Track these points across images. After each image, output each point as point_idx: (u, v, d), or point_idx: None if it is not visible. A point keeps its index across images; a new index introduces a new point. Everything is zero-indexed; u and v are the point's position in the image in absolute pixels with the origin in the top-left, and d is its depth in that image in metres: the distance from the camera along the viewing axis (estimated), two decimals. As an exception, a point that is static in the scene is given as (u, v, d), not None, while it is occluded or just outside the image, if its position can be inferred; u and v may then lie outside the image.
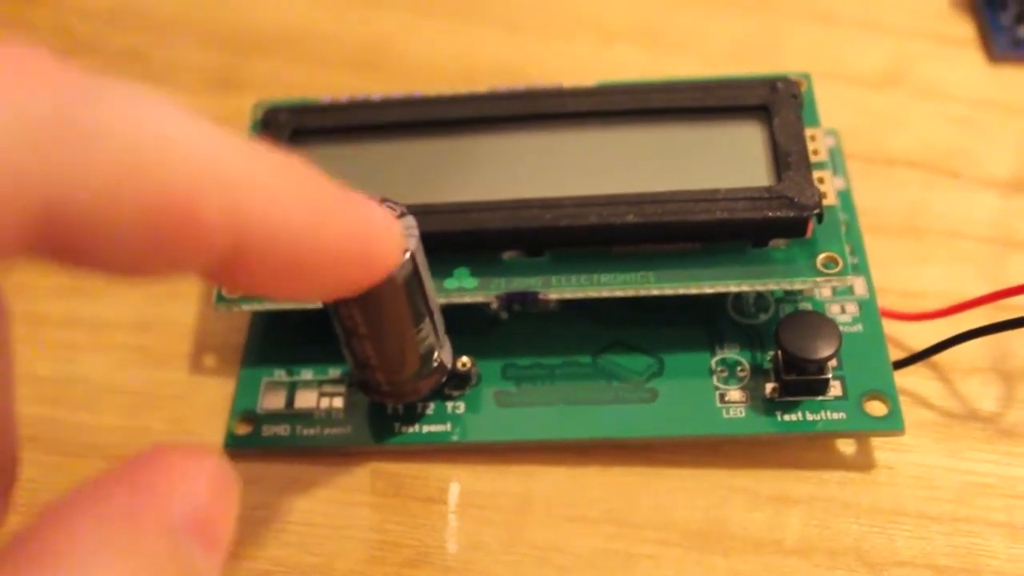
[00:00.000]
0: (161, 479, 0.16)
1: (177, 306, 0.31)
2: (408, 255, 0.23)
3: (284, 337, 0.30)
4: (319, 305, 0.27)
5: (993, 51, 0.35)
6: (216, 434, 0.28)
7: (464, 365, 0.27)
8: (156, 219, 0.16)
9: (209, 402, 0.29)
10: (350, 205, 0.19)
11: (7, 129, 0.14)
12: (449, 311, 0.27)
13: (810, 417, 0.27)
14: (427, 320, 0.25)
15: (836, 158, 0.32)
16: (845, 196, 0.31)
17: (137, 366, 0.30)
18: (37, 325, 0.31)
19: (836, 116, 0.33)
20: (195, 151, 0.16)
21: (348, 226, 0.19)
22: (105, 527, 0.15)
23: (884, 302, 0.29)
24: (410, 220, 0.24)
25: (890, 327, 0.29)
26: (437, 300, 0.25)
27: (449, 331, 0.27)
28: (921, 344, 0.28)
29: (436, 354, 0.26)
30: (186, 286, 0.32)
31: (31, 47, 0.15)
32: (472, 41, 0.38)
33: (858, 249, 0.29)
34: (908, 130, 0.34)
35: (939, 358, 0.28)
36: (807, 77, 0.30)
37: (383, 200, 0.24)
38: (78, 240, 0.15)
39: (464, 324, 0.28)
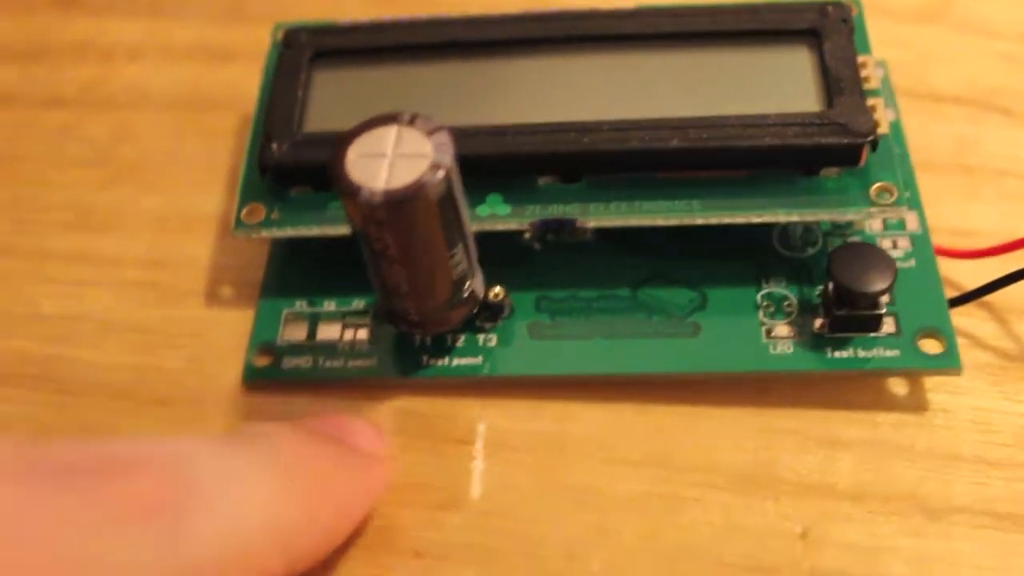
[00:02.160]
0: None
1: (190, 241, 0.30)
2: (442, 173, 0.22)
3: (305, 267, 0.28)
4: (343, 232, 0.26)
5: (1042, -14, 0.34)
6: (233, 372, 0.27)
7: (497, 295, 0.26)
8: None
9: (225, 340, 0.28)
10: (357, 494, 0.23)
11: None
12: (481, 240, 0.26)
13: (862, 354, 0.25)
14: (460, 245, 0.23)
15: (886, 90, 0.30)
16: (896, 128, 0.29)
17: (148, 303, 0.29)
18: (43, 261, 0.30)
19: (881, 50, 0.31)
20: (265, 523, 0.20)
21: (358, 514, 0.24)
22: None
23: (935, 240, 0.28)
24: (444, 136, 0.22)
25: (941, 266, 0.27)
26: (471, 225, 0.24)
27: (481, 261, 0.25)
28: (974, 283, 0.27)
29: (468, 283, 0.25)
30: (200, 221, 0.30)
31: (125, 477, 0.18)
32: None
33: (910, 183, 0.28)
34: (954, 65, 0.32)
35: (993, 298, 0.27)
36: (857, 2, 0.28)
37: (414, 116, 0.22)
38: None
39: (496, 254, 0.27)
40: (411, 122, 0.23)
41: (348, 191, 0.22)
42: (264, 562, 0.20)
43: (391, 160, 0.22)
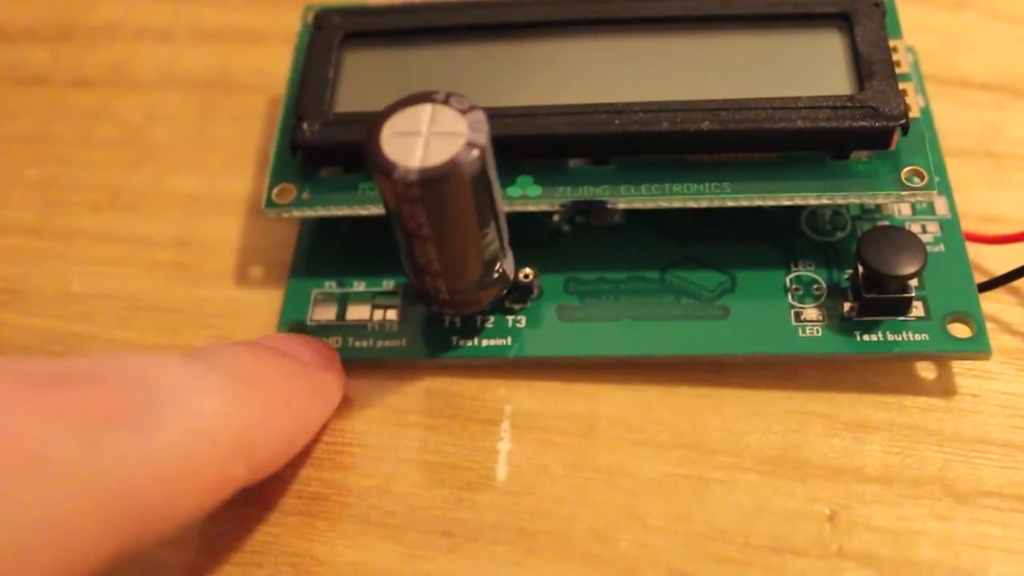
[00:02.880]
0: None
1: (220, 222, 0.30)
2: (477, 152, 0.22)
3: (335, 248, 0.28)
4: (373, 212, 0.26)
5: (1071, -27, 0.34)
6: (262, 352, 0.27)
7: (527, 277, 0.26)
8: (207, 495, 0.20)
9: (254, 320, 0.28)
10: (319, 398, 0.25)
11: (93, 477, 0.18)
12: (510, 222, 0.26)
13: (891, 338, 0.25)
14: (492, 224, 0.23)
15: (915, 75, 0.30)
16: (925, 114, 0.29)
17: (178, 283, 0.29)
18: (72, 240, 0.30)
19: (909, 36, 0.31)
20: (226, 428, 0.21)
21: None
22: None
23: (963, 226, 0.27)
24: (479, 115, 0.22)
25: (970, 251, 0.27)
26: (503, 205, 0.24)
27: (511, 244, 0.25)
28: (1002, 269, 0.27)
29: (499, 263, 0.25)
30: (230, 202, 0.30)
31: (96, 387, 0.19)
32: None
33: (939, 168, 0.28)
34: (982, 52, 0.32)
35: (1021, 283, 0.27)
36: (887, -12, 0.28)
37: (449, 95, 0.22)
38: (151, 538, 0.19)
39: (525, 236, 0.27)
40: (446, 101, 0.23)
41: (383, 169, 0.22)
42: (227, 466, 0.20)
43: (426, 138, 0.22)
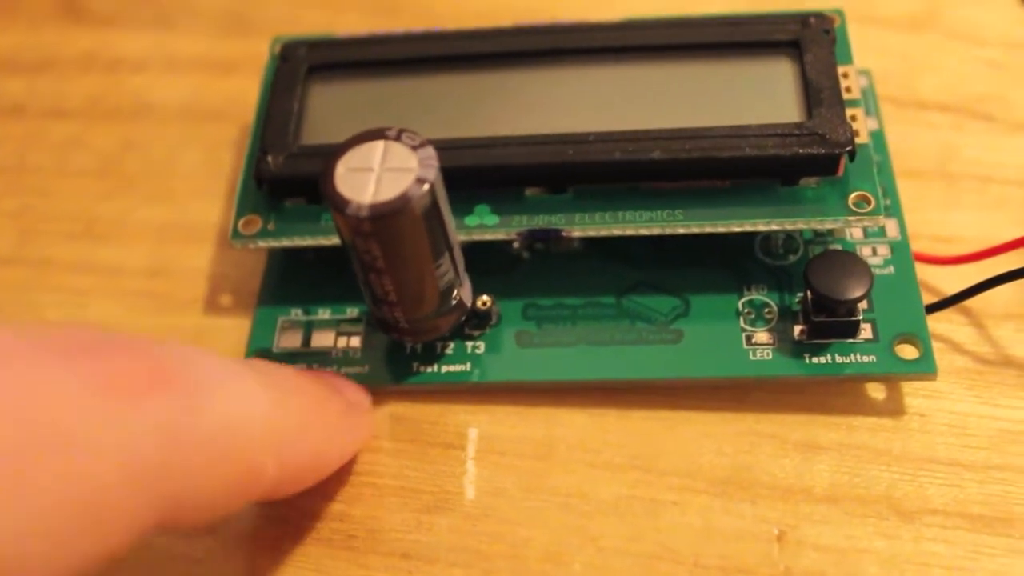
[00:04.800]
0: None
1: (190, 251, 0.31)
2: (427, 186, 0.22)
3: (301, 276, 0.29)
4: (336, 242, 0.26)
5: (1028, -6, 0.34)
6: (230, 377, 0.28)
7: (484, 304, 0.27)
8: (238, 486, 0.20)
9: (223, 348, 0.28)
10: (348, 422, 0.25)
11: (131, 444, 0.18)
12: (471, 250, 0.26)
13: (839, 360, 0.26)
14: (446, 255, 0.24)
15: (869, 99, 0.31)
16: (878, 137, 0.30)
17: (149, 312, 0.30)
18: (47, 270, 0.31)
19: (868, 58, 0.32)
20: (264, 423, 0.21)
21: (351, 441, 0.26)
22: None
23: (915, 246, 0.28)
24: (429, 151, 0.23)
25: (922, 272, 0.28)
26: (457, 236, 0.25)
27: (471, 270, 0.26)
28: (953, 289, 0.27)
29: (456, 291, 0.25)
30: (201, 231, 0.31)
31: (134, 357, 0.19)
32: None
33: (891, 191, 0.29)
34: (941, 73, 0.33)
35: (971, 303, 0.27)
36: (841, 13, 0.29)
37: (401, 131, 0.23)
38: (179, 520, 0.19)
39: (486, 263, 0.28)
40: (398, 137, 0.23)
41: (337, 205, 0.23)
42: (259, 458, 0.20)
43: (378, 174, 0.23)
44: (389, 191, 0.22)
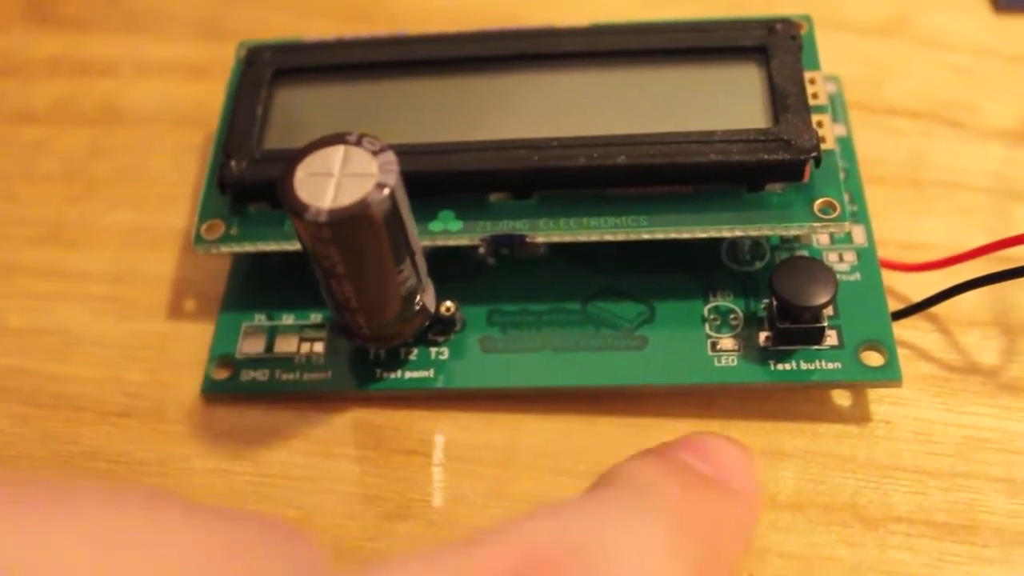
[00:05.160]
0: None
1: (156, 256, 0.31)
2: (387, 192, 0.22)
3: (265, 281, 0.29)
4: (299, 248, 0.26)
5: (999, 1, 0.34)
6: (193, 384, 0.28)
7: (448, 310, 0.27)
8: None
9: (186, 353, 0.28)
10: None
11: None
12: (436, 256, 0.26)
13: (804, 366, 0.26)
14: (408, 260, 0.24)
15: (838, 105, 0.31)
16: (846, 143, 0.30)
17: (113, 317, 0.29)
18: (10, 275, 0.31)
19: (837, 64, 0.32)
20: None
21: None
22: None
23: (883, 253, 0.28)
24: (389, 156, 0.23)
25: (889, 278, 0.28)
26: (419, 241, 0.25)
27: (436, 276, 0.26)
28: (920, 295, 0.27)
29: (418, 297, 0.25)
30: (167, 236, 0.31)
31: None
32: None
33: (858, 197, 0.29)
34: (910, 79, 0.33)
35: (938, 310, 0.27)
36: (808, 19, 0.29)
37: (362, 136, 0.23)
38: None
39: (452, 269, 0.28)
40: (358, 142, 0.23)
41: (295, 210, 0.22)
42: None
43: (338, 180, 0.23)
44: (348, 196, 0.22)
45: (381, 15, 0.36)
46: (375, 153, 0.23)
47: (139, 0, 0.37)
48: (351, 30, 0.34)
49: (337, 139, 0.23)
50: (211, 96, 0.33)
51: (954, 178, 0.31)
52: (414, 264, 0.24)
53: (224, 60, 0.32)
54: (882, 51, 0.34)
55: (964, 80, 0.33)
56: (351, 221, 0.22)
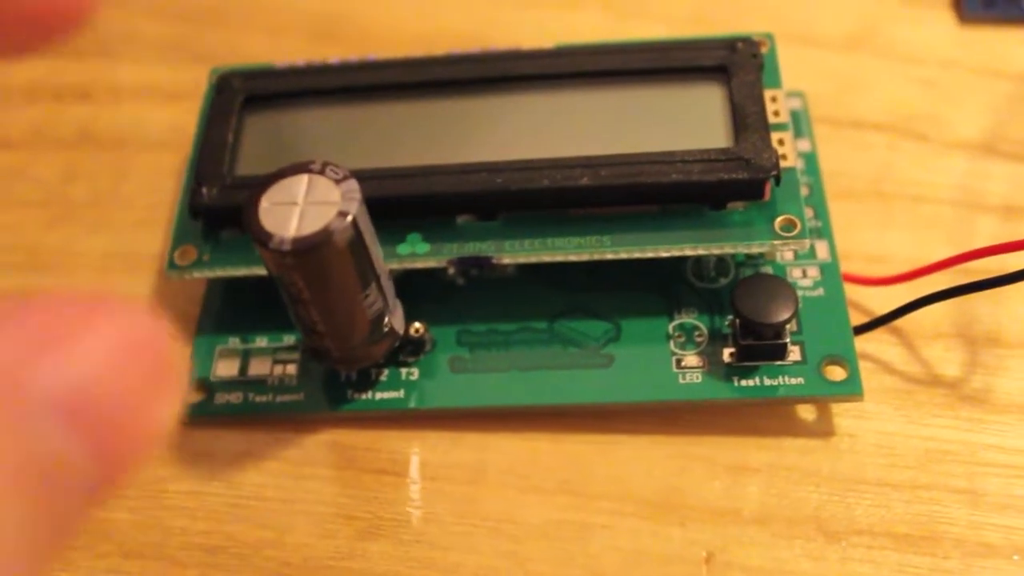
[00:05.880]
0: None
1: (132, 280, 0.31)
2: (350, 219, 0.23)
3: (239, 304, 0.29)
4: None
5: (964, 11, 0.35)
6: (169, 406, 0.28)
7: (417, 331, 0.27)
8: None
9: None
10: None
11: None
12: (406, 277, 0.27)
13: (768, 382, 0.26)
14: (374, 284, 0.24)
15: (802, 120, 0.31)
16: (810, 158, 0.30)
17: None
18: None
19: (803, 79, 0.32)
20: None
21: None
22: None
23: (849, 267, 0.28)
24: (352, 184, 0.23)
25: (853, 292, 0.28)
26: (384, 264, 0.25)
27: (407, 297, 0.27)
28: (885, 309, 0.28)
29: (387, 319, 0.26)
30: (142, 260, 0.31)
31: None
32: (434, 11, 0.37)
33: (821, 213, 0.29)
34: (875, 93, 0.33)
35: (902, 323, 0.28)
36: (770, 37, 0.29)
37: (325, 164, 0.23)
38: None
39: (421, 290, 0.28)
40: (322, 171, 0.24)
41: (259, 239, 0.23)
42: None
43: (302, 208, 0.23)
44: (312, 225, 0.23)
45: (353, 36, 0.36)
46: (338, 181, 0.23)
47: (113, 24, 0.37)
48: (323, 50, 0.34)
49: (301, 168, 0.24)
50: (186, 118, 0.34)
51: (919, 191, 0.31)
52: (380, 288, 0.25)
53: (198, 82, 0.33)
54: (848, 65, 0.34)
55: (929, 92, 0.33)
56: (314, 249, 0.23)
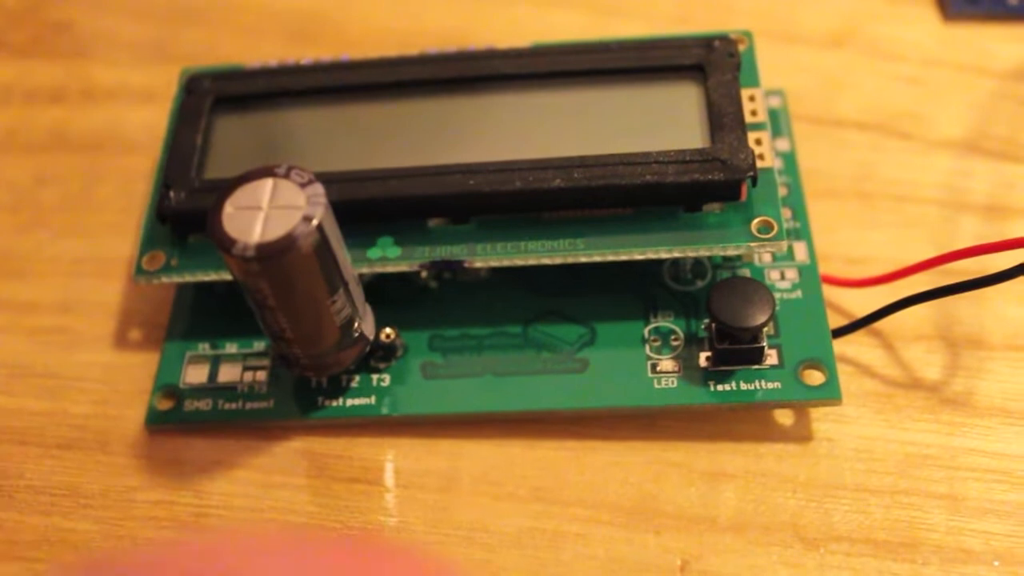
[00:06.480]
0: None
1: (102, 285, 0.31)
2: (315, 223, 0.22)
3: (209, 310, 0.29)
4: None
5: (948, 8, 0.34)
6: (138, 415, 0.28)
7: (388, 336, 0.27)
8: None
9: (132, 384, 0.28)
10: None
11: None
12: (377, 281, 0.27)
13: (744, 387, 0.26)
14: (341, 290, 0.24)
15: (781, 119, 0.31)
16: (789, 158, 0.30)
17: (58, 348, 0.29)
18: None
19: (786, 77, 0.32)
20: None
21: None
22: None
23: (829, 268, 0.28)
24: (317, 188, 0.23)
25: (833, 294, 0.28)
26: (353, 269, 0.25)
27: (378, 302, 0.26)
28: (865, 311, 0.27)
29: (356, 324, 0.25)
30: (113, 265, 0.31)
31: None
32: (414, 9, 0.36)
33: (800, 214, 0.28)
34: (858, 91, 0.33)
35: (882, 325, 0.27)
36: (748, 35, 0.29)
37: (291, 168, 0.23)
38: None
39: (393, 294, 0.28)
40: (287, 175, 0.23)
41: (223, 245, 0.22)
42: None
43: (266, 213, 0.23)
44: (276, 230, 0.22)
45: (330, 36, 0.36)
46: (303, 185, 0.23)
47: (86, 25, 0.37)
48: (301, 50, 0.34)
49: (266, 172, 0.23)
50: (161, 121, 0.33)
51: (902, 191, 0.30)
52: (348, 293, 0.24)
53: (174, 84, 0.32)
54: (831, 63, 0.34)
55: (913, 90, 0.33)
56: (279, 255, 0.22)
